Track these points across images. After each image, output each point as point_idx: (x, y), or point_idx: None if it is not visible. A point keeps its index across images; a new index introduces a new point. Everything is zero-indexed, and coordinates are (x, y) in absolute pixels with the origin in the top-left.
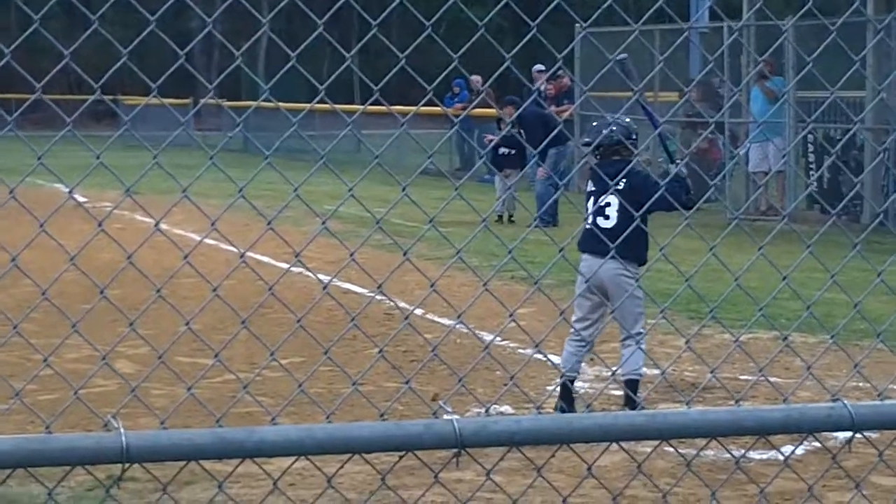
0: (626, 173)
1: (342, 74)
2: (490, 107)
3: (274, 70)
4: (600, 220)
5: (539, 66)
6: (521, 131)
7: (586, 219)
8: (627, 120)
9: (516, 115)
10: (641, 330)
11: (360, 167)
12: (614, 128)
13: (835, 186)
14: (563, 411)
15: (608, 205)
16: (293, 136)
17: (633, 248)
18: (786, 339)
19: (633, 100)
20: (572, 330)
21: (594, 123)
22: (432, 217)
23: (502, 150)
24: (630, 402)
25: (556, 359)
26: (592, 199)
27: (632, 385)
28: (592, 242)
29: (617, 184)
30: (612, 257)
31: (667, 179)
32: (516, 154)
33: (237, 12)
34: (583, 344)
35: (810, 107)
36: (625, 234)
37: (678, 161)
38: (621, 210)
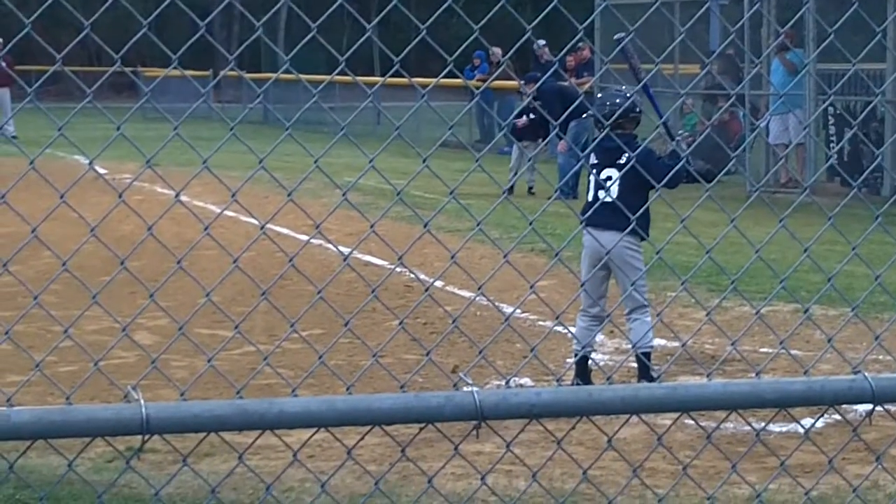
0: (628, 147)
1: (362, 47)
2: (510, 78)
3: (294, 42)
4: (601, 194)
5: (541, 41)
6: (542, 105)
7: (588, 192)
8: (630, 92)
9: (536, 87)
10: (645, 302)
11: (380, 139)
12: (618, 100)
13: (855, 158)
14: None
15: (609, 178)
16: (313, 108)
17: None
18: (807, 311)
19: (639, 87)
20: (582, 308)
21: (599, 95)
22: (453, 189)
23: (521, 120)
24: (645, 375)
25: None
26: (595, 172)
27: (645, 358)
28: (594, 216)
29: (619, 157)
30: (615, 230)
31: (679, 158)
32: (535, 125)
33: None
34: (595, 321)
35: (831, 79)
36: (627, 209)
37: (678, 138)
38: (623, 184)
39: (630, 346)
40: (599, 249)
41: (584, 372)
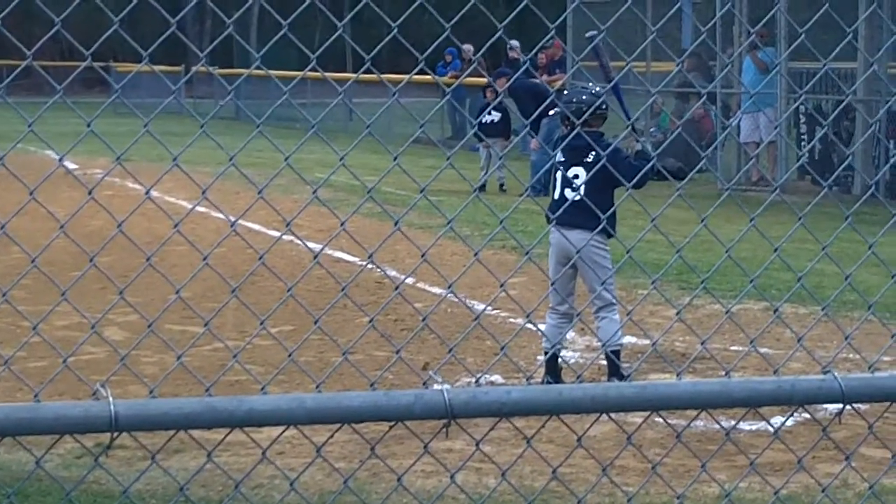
0: (596, 145)
1: (334, 43)
2: (482, 76)
3: (266, 38)
4: (568, 192)
5: (514, 43)
6: (514, 102)
7: (553, 190)
8: (597, 89)
9: (507, 85)
10: (614, 300)
11: (352, 136)
12: (584, 97)
13: (826, 157)
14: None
15: (576, 177)
16: (284, 104)
17: (600, 220)
18: (776, 310)
19: (609, 87)
20: (551, 306)
21: (566, 92)
22: (424, 187)
23: (487, 117)
24: (615, 373)
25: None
26: (562, 169)
27: (615, 356)
28: (562, 215)
29: (586, 156)
30: (582, 228)
31: (646, 156)
32: (501, 122)
33: None
34: (564, 319)
35: (802, 77)
36: (595, 207)
37: (642, 139)
38: (589, 182)
39: (600, 344)
40: (567, 247)
41: (554, 369)
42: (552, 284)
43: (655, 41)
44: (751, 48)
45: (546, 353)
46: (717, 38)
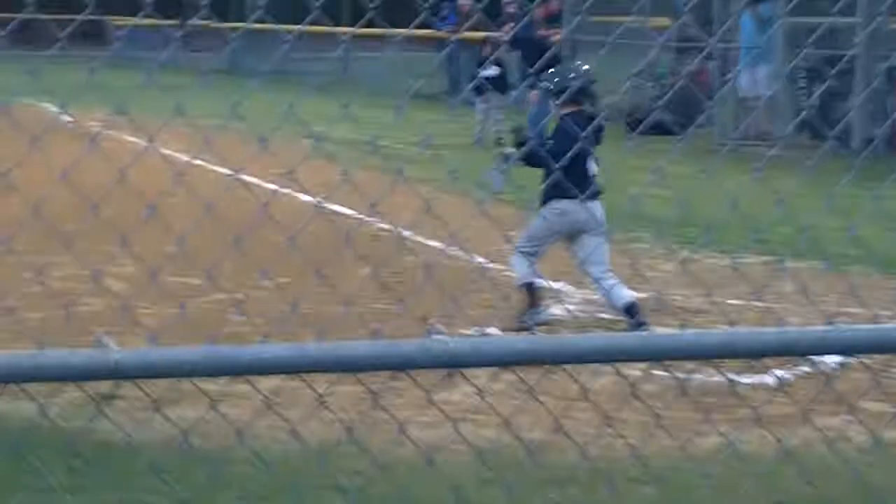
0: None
1: None
2: (478, 29)
3: None
4: (594, 167)
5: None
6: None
7: (580, 166)
8: (586, 67)
9: (511, 35)
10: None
11: (347, 89)
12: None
13: (825, 111)
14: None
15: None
16: (278, 57)
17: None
18: (782, 264)
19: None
20: (524, 251)
21: (552, 71)
22: (424, 140)
23: (485, 72)
24: (644, 325)
25: (543, 281)
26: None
27: (635, 309)
28: (592, 188)
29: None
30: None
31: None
32: (498, 77)
33: None
34: (533, 259)
35: (801, 31)
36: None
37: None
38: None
39: (597, 297)
40: (587, 219)
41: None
42: (539, 246)
43: None
44: (749, 1)
45: (526, 286)
46: None
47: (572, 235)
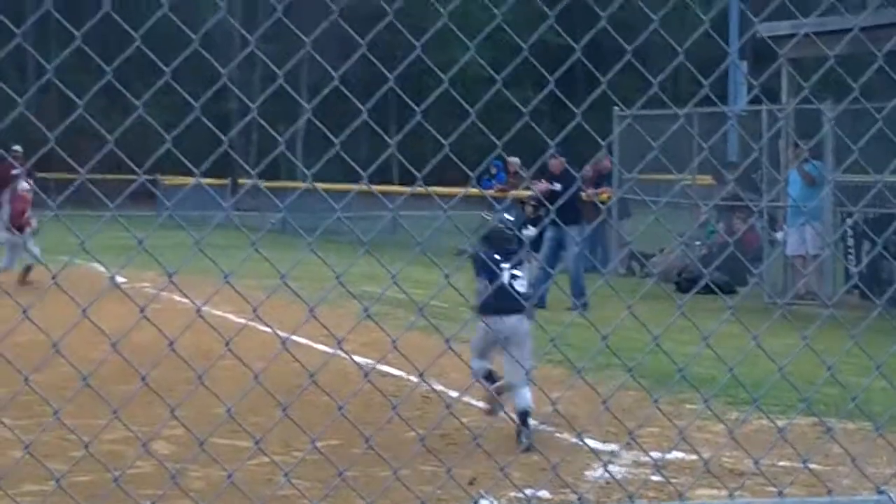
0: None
1: (379, 154)
2: (527, 189)
3: (312, 148)
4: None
5: (515, 159)
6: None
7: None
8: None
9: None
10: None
11: (396, 248)
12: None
13: (873, 271)
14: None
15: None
16: (328, 216)
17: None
18: (829, 429)
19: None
20: (474, 356)
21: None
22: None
23: (526, 232)
24: (524, 431)
25: (592, 443)
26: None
27: (526, 415)
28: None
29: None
30: (520, 313)
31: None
32: (539, 237)
33: (276, 93)
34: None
35: (848, 190)
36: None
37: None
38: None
39: (651, 460)
40: (507, 329)
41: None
42: (483, 352)
43: (701, 152)
44: (798, 161)
45: (486, 378)
46: (763, 151)
47: (504, 343)
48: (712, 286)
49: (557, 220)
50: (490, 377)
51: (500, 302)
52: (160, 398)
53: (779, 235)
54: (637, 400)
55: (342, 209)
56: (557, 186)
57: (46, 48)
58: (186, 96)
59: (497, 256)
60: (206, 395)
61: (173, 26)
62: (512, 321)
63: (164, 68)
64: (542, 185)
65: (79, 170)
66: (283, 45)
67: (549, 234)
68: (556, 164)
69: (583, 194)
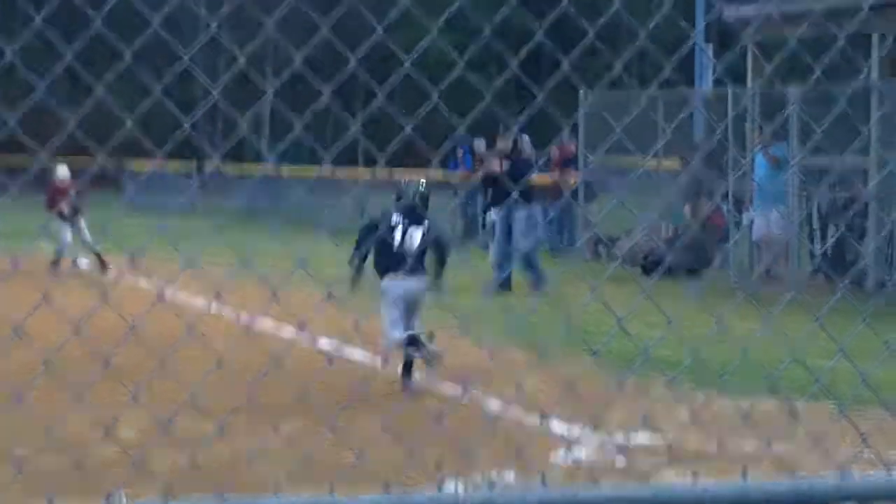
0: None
1: (343, 136)
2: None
3: (279, 131)
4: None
5: (479, 141)
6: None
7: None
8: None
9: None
10: None
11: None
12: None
13: (838, 252)
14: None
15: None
16: (294, 199)
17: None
18: (794, 411)
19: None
20: (385, 321)
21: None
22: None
23: (491, 216)
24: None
25: (558, 426)
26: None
27: (413, 339)
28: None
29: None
30: (420, 275)
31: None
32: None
33: (242, 77)
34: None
35: (813, 173)
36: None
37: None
38: (421, 241)
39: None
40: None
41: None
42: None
43: (666, 136)
44: (763, 144)
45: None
46: (729, 133)
47: (406, 302)
48: (674, 269)
49: (499, 201)
50: (414, 342)
51: (394, 263)
52: (124, 381)
53: (745, 217)
54: (603, 383)
55: (307, 192)
56: (504, 166)
57: (11, 32)
58: (149, 79)
59: (396, 218)
60: (170, 379)
61: (136, 10)
62: (410, 282)
63: (126, 50)
64: (492, 166)
65: (40, 150)
66: (249, 31)
67: (498, 215)
68: (504, 144)
69: (548, 175)
